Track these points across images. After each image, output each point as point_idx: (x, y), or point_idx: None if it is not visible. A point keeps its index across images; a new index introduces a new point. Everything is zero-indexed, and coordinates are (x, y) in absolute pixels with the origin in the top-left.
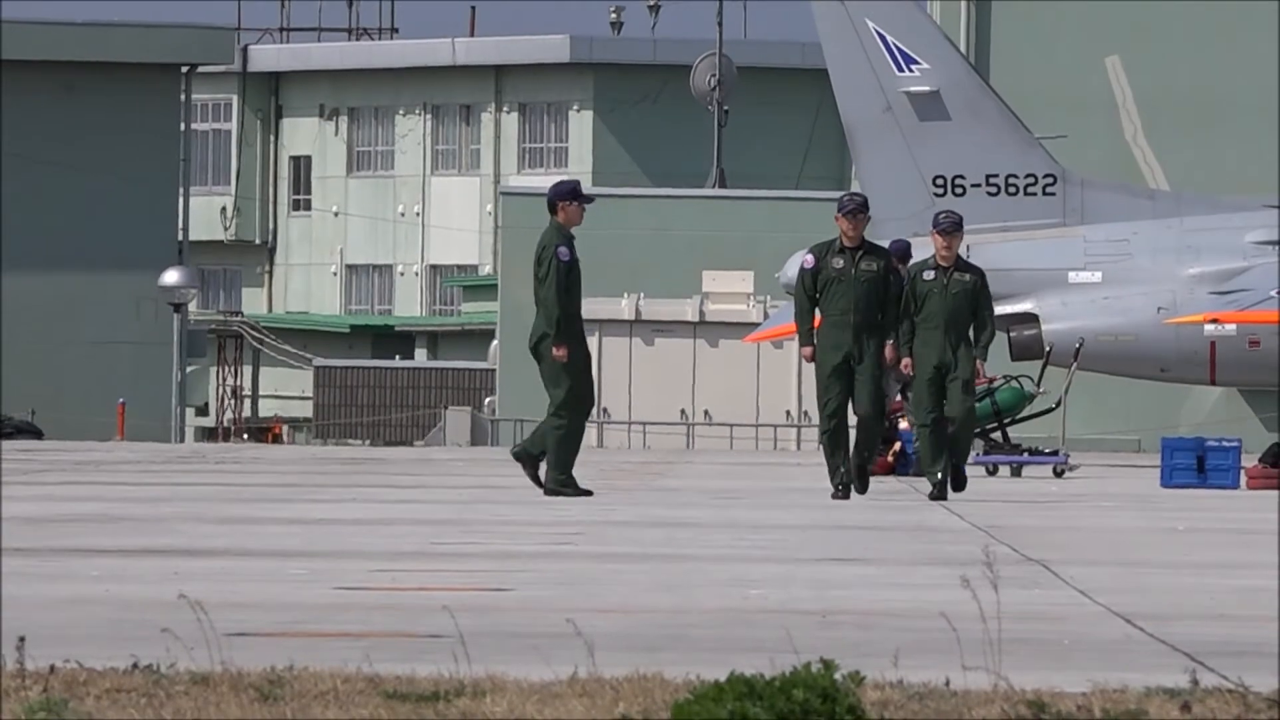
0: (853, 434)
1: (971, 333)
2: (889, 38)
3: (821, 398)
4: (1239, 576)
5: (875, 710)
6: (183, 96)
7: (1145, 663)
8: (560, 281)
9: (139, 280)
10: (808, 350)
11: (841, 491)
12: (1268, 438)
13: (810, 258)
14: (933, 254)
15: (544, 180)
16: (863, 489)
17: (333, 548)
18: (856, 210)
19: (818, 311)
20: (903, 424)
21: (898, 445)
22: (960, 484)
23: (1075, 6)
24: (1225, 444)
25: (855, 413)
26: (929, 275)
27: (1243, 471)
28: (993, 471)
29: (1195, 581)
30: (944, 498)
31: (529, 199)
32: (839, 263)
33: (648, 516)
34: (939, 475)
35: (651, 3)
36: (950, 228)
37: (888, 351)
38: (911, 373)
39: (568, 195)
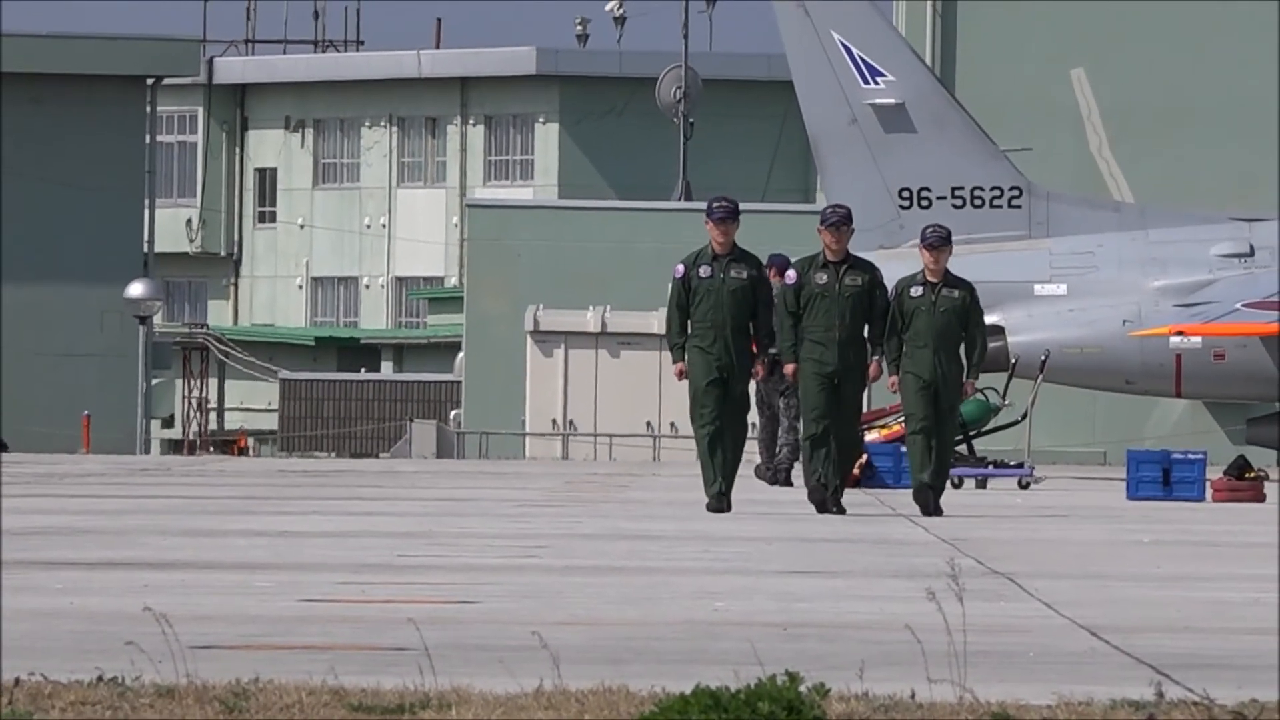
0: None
1: (962, 350)
2: (854, 50)
3: (806, 412)
4: (1204, 589)
5: None
6: (148, 108)
7: (1110, 675)
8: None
9: (104, 292)
10: (791, 367)
11: (822, 503)
12: (1233, 450)
13: (792, 273)
14: (920, 269)
15: (509, 193)
16: (838, 505)
17: (298, 560)
18: (840, 222)
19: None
20: (869, 435)
21: (864, 458)
22: (931, 508)
23: (1041, 17)
24: (1190, 456)
25: (833, 434)
26: (916, 291)
27: (1208, 484)
28: (958, 484)
29: (1160, 594)
30: (927, 505)
31: (495, 211)
32: (823, 278)
33: (613, 529)
34: (924, 479)
35: (617, 15)
36: (938, 242)
37: (873, 369)
38: (897, 390)
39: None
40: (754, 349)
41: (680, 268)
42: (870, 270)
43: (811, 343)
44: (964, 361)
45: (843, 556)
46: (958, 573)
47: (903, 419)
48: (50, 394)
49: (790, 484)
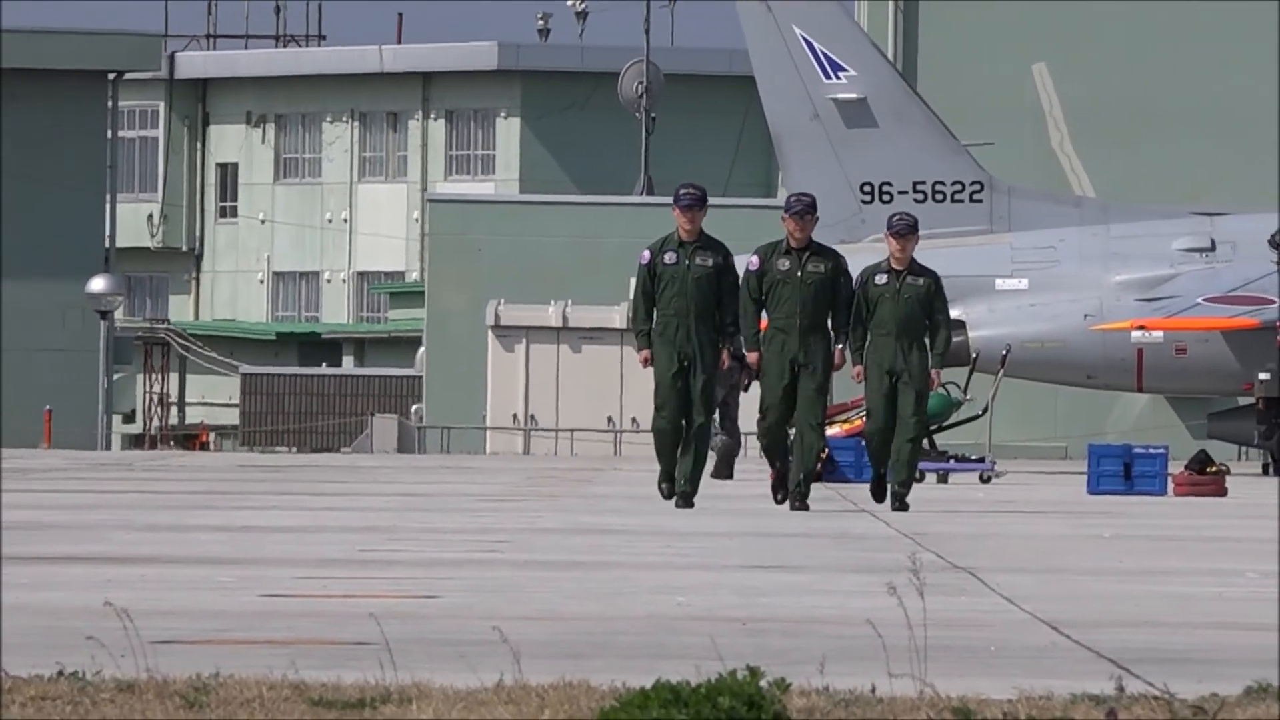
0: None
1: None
2: (816, 45)
3: (765, 401)
4: (1165, 583)
5: (801, 716)
6: (109, 104)
7: (1071, 669)
8: None
9: (65, 287)
10: (753, 355)
11: (785, 498)
12: (1194, 445)
13: (755, 259)
14: (886, 257)
15: (471, 187)
16: (803, 502)
17: (259, 555)
18: (804, 211)
19: (764, 315)
20: (831, 430)
21: (825, 452)
22: (883, 495)
23: (1003, 13)
24: (1152, 451)
25: (796, 424)
26: (881, 279)
27: (1169, 478)
28: (919, 478)
29: (1121, 588)
30: (883, 497)
31: (456, 206)
32: (785, 264)
33: (575, 524)
34: (896, 488)
35: (579, 10)
36: (904, 230)
37: (837, 357)
38: (862, 380)
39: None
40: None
41: (646, 254)
42: (834, 258)
43: (774, 330)
44: (928, 350)
45: (804, 551)
46: (919, 567)
47: (864, 413)
48: (11, 389)
49: (730, 476)
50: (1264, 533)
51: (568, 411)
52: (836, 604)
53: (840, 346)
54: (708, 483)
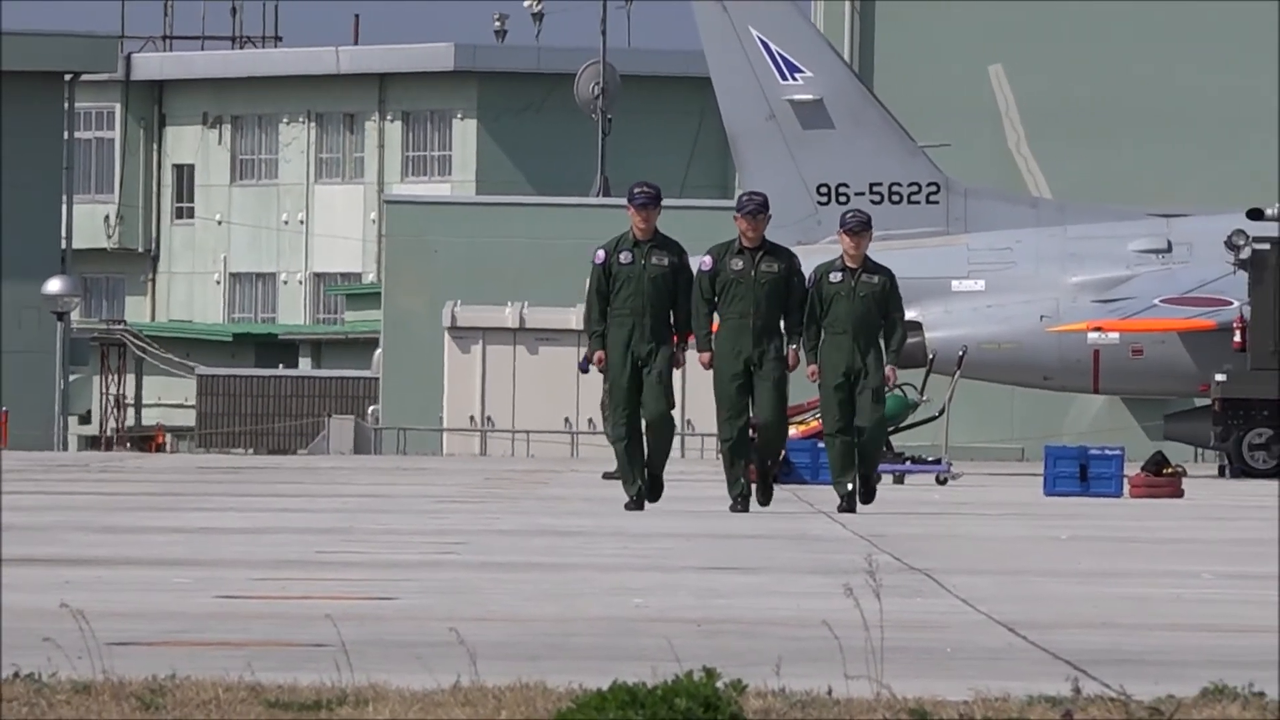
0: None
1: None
2: (772, 46)
3: (721, 406)
4: (1121, 585)
5: (757, 718)
6: (65, 105)
7: (1027, 671)
8: None
9: (22, 289)
10: (705, 356)
11: (741, 504)
12: (1150, 446)
13: (708, 259)
14: (839, 255)
15: (427, 189)
16: (765, 499)
17: (216, 557)
18: (756, 210)
19: (716, 315)
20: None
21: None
22: (869, 496)
23: (959, 14)
24: (1108, 452)
25: (756, 419)
26: (835, 277)
27: (1125, 480)
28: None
29: (1078, 590)
30: (853, 510)
31: (413, 207)
32: (738, 264)
33: (531, 525)
34: (848, 486)
35: (535, 11)
36: (858, 227)
37: (790, 358)
38: (817, 380)
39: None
40: (675, 339)
41: (601, 253)
42: (787, 258)
43: (726, 330)
44: (884, 348)
45: (761, 553)
46: (875, 569)
47: (820, 415)
48: None
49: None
50: (1220, 534)
51: (524, 413)
52: (793, 605)
53: (794, 347)
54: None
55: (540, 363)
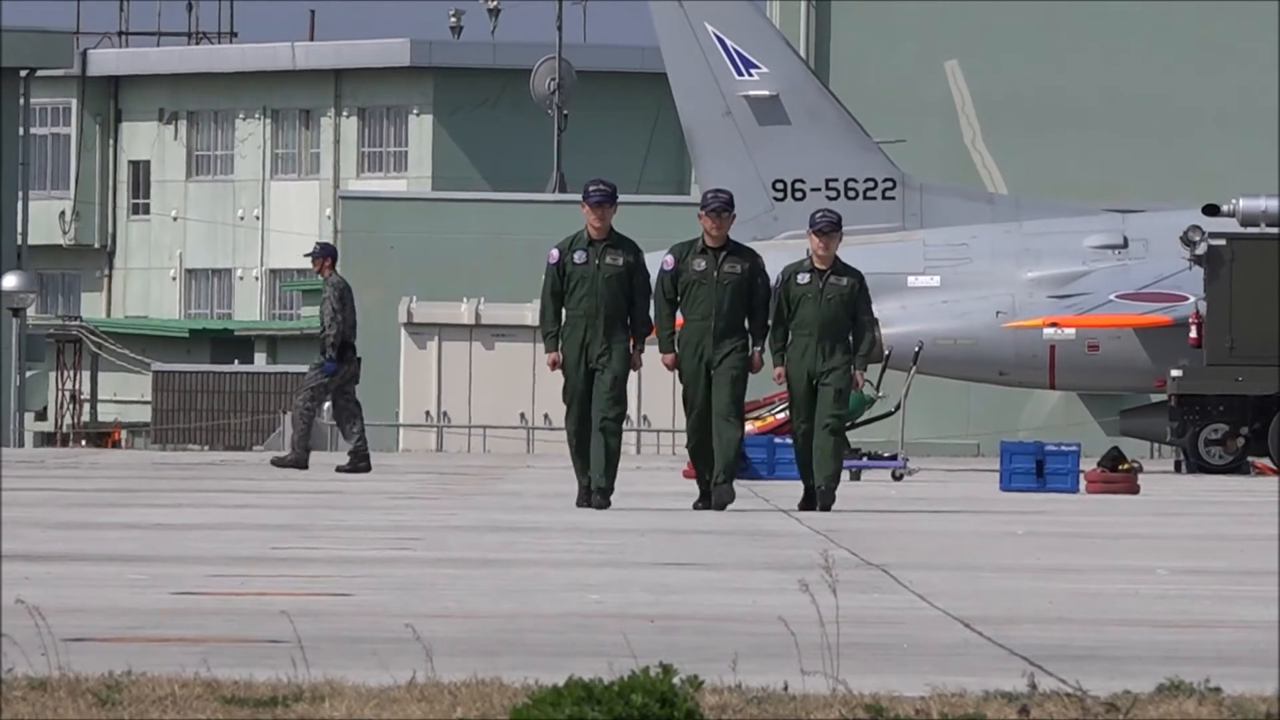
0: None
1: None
2: (728, 42)
3: (687, 405)
4: (1077, 580)
5: (714, 714)
6: (20, 100)
7: (983, 666)
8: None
9: None
10: (669, 357)
11: (704, 501)
12: (1106, 442)
13: (670, 259)
14: (807, 255)
15: (383, 184)
16: (728, 497)
17: (171, 553)
18: (721, 208)
19: (679, 315)
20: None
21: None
22: (813, 506)
23: (915, 10)
24: (1064, 448)
25: (715, 415)
26: (803, 279)
27: (1081, 475)
28: None
29: (1033, 585)
30: (812, 508)
31: (368, 203)
32: (701, 264)
33: (487, 521)
34: (821, 486)
35: (491, 7)
36: (828, 228)
37: (755, 360)
38: (784, 382)
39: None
40: (631, 340)
41: (555, 253)
42: (752, 257)
43: (688, 331)
44: (851, 350)
45: (716, 549)
46: (831, 564)
47: (778, 411)
48: None
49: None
50: (1175, 529)
51: (480, 408)
52: (749, 601)
53: (759, 349)
54: (621, 480)
55: (496, 358)
